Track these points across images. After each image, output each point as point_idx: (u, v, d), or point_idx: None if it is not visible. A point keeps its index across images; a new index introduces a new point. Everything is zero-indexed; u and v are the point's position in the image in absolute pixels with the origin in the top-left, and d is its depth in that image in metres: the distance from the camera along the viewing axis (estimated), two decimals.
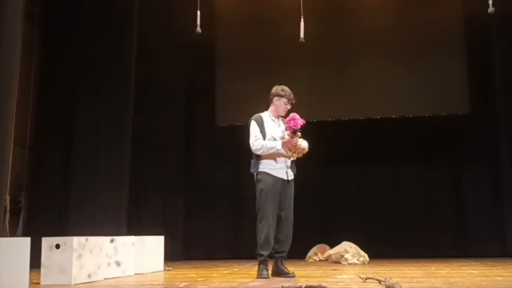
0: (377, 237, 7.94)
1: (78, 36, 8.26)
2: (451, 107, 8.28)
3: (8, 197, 6.42)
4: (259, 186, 4.87)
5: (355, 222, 8.24)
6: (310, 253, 7.86)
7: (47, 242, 4.46)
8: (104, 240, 5.01)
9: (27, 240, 4.01)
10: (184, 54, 8.97)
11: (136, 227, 7.68)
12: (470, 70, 8.25)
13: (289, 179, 4.99)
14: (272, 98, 5.11)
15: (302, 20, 6.77)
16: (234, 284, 4.21)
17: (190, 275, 5.24)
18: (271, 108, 5.12)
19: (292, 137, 4.83)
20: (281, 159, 4.93)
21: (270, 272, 4.85)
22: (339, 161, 8.67)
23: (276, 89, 5.14)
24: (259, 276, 4.75)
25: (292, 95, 5.13)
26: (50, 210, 7.71)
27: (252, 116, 5.10)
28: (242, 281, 4.54)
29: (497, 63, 8.09)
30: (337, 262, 6.97)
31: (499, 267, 5.57)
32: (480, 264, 6.14)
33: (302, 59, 8.45)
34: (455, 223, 8.20)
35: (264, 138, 4.92)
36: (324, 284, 3.74)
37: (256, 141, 4.87)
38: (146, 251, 5.69)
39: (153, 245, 5.86)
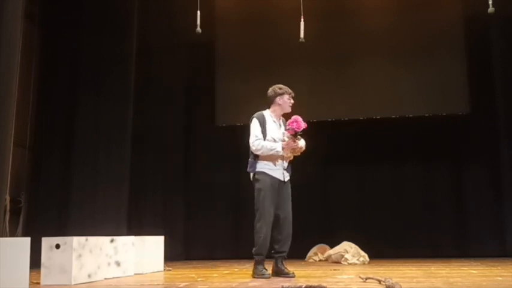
0: (377, 237, 7.93)
1: (78, 36, 8.26)
2: (451, 107, 8.28)
3: (8, 197, 6.43)
4: (257, 186, 4.87)
5: (355, 222, 8.24)
6: (310, 253, 7.85)
7: (47, 242, 4.46)
8: (104, 240, 5.01)
9: (27, 240, 4.01)
10: (184, 54, 8.97)
11: (136, 227, 7.68)
12: (470, 70, 8.25)
13: (286, 180, 4.99)
14: (274, 99, 5.09)
15: (302, 20, 6.78)
16: (234, 284, 4.22)
17: (190, 275, 5.25)
18: (273, 108, 5.10)
19: (293, 140, 4.87)
20: (278, 161, 4.94)
21: (270, 272, 4.85)
22: (339, 161, 8.67)
23: (273, 89, 5.14)
24: (260, 276, 4.74)
25: (290, 89, 5.16)
26: (50, 210, 7.71)
27: (253, 114, 5.08)
28: (242, 281, 4.54)
29: (497, 63, 8.10)
30: (337, 262, 6.97)
31: (499, 267, 5.57)
32: (480, 264, 6.14)
33: (302, 59, 8.46)
34: (455, 223, 8.20)
35: (264, 139, 4.91)
36: (324, 284, 3.74)
37: (256, 141, 4.86)
38: (146, 251, 5.69)
39: (153, 245, 5.86)
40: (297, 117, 4.87)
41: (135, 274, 5.42)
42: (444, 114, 8.32)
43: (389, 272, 5.26)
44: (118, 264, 5.18)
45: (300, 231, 8.32)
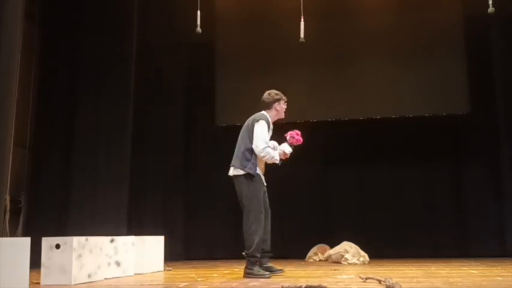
0: (377, 237, 7.93)
1: (78, 36, 8.26)
2: (451, 107, 8.28)
3: (8, 197, 6.43)
4: (254, 186, 4.87)
5: (355, 222, 8.24)
6: (310, 253, 7.86)
7: (47, 242, 4.46)
8: (104, 240, 5.01)
9: (27, 240, 4.01)
10: (184, 54, 8.97)
11: (136, 227, 7.68)
12: (470, 70, 8.25)
13: (265, 184, 5.10)
14: (272, 104, 5.12)
15: (302, 20, 6.78)
16: (234, 284, 4.22)
17: (190, 275, 5.25)
18: (270, 114, 5.12)
19: (289, 153, 5.07)
20: (264, 166, 5.07)
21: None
22: (339, 161, 8.67)
23: (270, 94, 5.16)
24: (261, 276, 4.72)
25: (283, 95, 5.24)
26: (50, 210, 7.71)
27: (257, 115, 5.06)
28: (242, 281, 4.54)
29: (497, 63, 8.10)
30: (337, 262, 6.97)
31: (499, 267, 5.57)
32: (480, 264, 6.14)
33: (302, 59, 8.46)
34: (455, 223, 8.20)
35: None
36: (324, 284, 3.74)
37: (265, 148, 4.87)
38: (146, 251, 5.69)
39: (153, 245, 5.86)
40: (298, 132, 5.09)
41: (135, 274, 5.42)
42: (444, 114, 8.32)
43: (389, 272, 5.26)
44: (118, 264, 5.18)
45: (300, 231, 8.43)
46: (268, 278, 4.72)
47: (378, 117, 8.44)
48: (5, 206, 6.37)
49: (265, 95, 5.14)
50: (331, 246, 7.46)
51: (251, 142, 4.90)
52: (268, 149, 4.88)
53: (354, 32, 8.57)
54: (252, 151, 4.90)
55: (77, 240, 4.47)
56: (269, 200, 8.47)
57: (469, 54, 8.27)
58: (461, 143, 8.35)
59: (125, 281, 4.72)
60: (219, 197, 8.75)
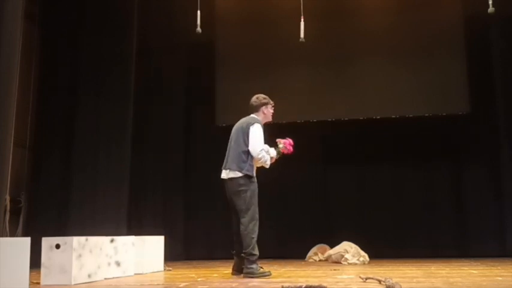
0: (377, 237, 7.94)
1: (78, 36, 8.26)
2: (451, 107, 8.28)
3: (8, 197, 6.43)
4: (252, 187, 4.95)
5: (355, 222, 8.24)
6: (310, 253, 7.86)
7: (47, 242, 4.46)
8: (104, 240, 5.01)
9: (27, 240, 4.01)
10: (184, 54, 8.97)
11: (136, 227, 7.68)
12: (470, 70, 8.25)
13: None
14: (259, 108, 5.19)
15: (302, 20, 6.78)
16: (234, 284, 4.22)
17: (190, 275, 5.24)
18: (258, 117, 5.17)
19: (279, 157, 5.13)
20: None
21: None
22: (339, 161, 8.67)
23: (258, 98, 5.22)
24: (261, 275, 4.76)
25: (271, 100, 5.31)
26: (50, 210, 7.71)
27: (251, 119, 5.10)
28: (242, 281, 4.54)
29: (497, 63, 8.10)
30: (337, 262, 6.97)
31: (499, 267, 5.57)
32: (480, 264, 6.14)
33: (302, 59, 8.46)
34: (455, 223, 8.20)
35: None
36: (324, 284, 3.74)
37: (263, 152, 4.94)
38: (146, 251, 5.69)
39: (153, 245, 5.86)
40: (291, 142, 5.14)
41: (135, 274, 5.42)
42: (444, 114, 8.32)
43: (389, 272, 5.26)
44: (118, 264, 5.17)
45: (300, 231, 8.43)
46: (269, 275, 4.77)
47: (378, 117, 8.44)
48: (5, 206, 6.37)
49: (254, 98, 5.23)
50: (331, 246, 7.46)
51: (246, 145, 4.97)
52: (265, 153, 4.97)
53: (354, 32, 8.57)
54: (248, 153, 4.96)
55: (77, 240, 4.47)
56: (269, 200, 8.52)
57: (469, 54, 8.27)
58: (461, 143, 8.35)
59: (125, 281, 4.72)
60: (219, 197, 8.66)
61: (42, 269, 4.43)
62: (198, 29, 6.78)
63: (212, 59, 8.98)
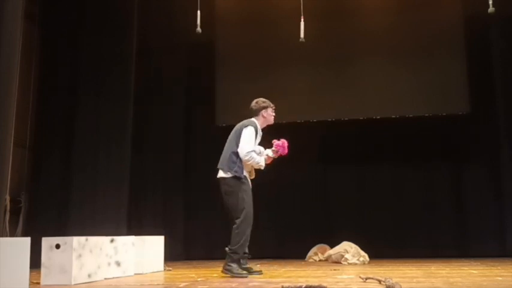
0: (377, 237, 7.94)
1: (78, 36, 8.26)
2: (451, 107, 8.29)
3: (8, 197, 6.43)
4: (243, 187, 4.99)
5: (355, 222, 8.24)
6: (310, 253, 7.86)
7: (47, 242, 4.46)
8: (104, 240, 5.01)
9: (27, 240, 4.00)
10: (184, 54, 8.97)
11: (136, 227, 7.68)
12: (470, 70, 8.25)
13: (251, 187, 5.17)
14: (259, 112, 5.21)
15: (302, 20, 6.78)
16: (234, 284, 4.22)
17: (190, 275, 5.24)
18: (258, 121, 5.19)
19: (273, 158, 5.14)
20: (249, 170, 5.15)
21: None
22: (339, 161, 8.67)
23: (258, 102, 5.24)
24: (239, 275, 4.81)
25: (271, 103, 5.30)
26: (50, 210, 7.71)
27: (247, 121, 5.12)
28: (242, 281, 4.54)
29: (497, 63, 8.10)
30: (337, 262, 6.97)
31: (499, 267, 5.57)
32: (480, 264, 6.14)
33: (302, 59, 8.46)
34: (455, 223, 8.20)
35: None
36: (324, 284, 3.74)
37: (251, 153, 4.97)
38: (146, 251, 5.69)
39: (153, 245, 5.86)
40: (285, 142, 5.12)
41: (135, 274, 5.41)
42: (444, 114, 8.33)
43: (389, 272, 5.26)
44: (118, 264, 5.17)
45: (300, 231, 8.43)
46: (246, 277, 4.80)
47: (378, 117, 8.45)
48: (5, 206, 6.37)
49: (253, 103, 5.26)
50: (331, 246, 7.46)
51: (238, 146, 5.01)
52: (253, 154, 4.98)
53: (354, 32, 8.57)
54: (237, 154, 5.00)
55: (77, 240, 4.47)
56: (269, 200, 8.53)
57: (469, 54, 8.27)
58: (461, 143, 8.35)
59: (125, 281, 4.72)
60: (219, 197, 8.71)
61: (42, 269, 4.43)
62: (198, 29, 6.78)
63: (212, 59, 8.98)
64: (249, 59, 8.84)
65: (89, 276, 4.60)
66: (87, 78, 8.16)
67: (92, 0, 8.31)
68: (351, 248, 7.00)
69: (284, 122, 7.89)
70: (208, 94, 8.89)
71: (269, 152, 5.13)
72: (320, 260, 7.59)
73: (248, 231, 4.94)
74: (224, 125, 8.76)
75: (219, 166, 5.12)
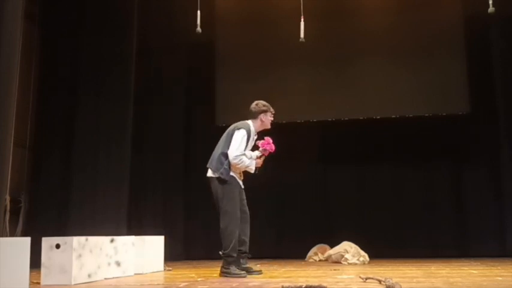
0: (377, 237, 7.94)
1: (78, 36, 8.25)
2: (451, 107, 8.29)
3: (8, 197, 6.43)
4: (228, 188, 4.97)
5: (355, 222, 8.24)
6: (310, 253, 7.86)
7: (47, 242, 4.46)
8: (104, 240, 5.01)
9: (27, 240, 4.00)
10: (184, 54, 8.97)
11: (136, 227, 7.68)
12: (470, 70, 8.25)
13: (243, 187, 5.16)
14: (258, 115, 5.17)
15: (302, 20, 6.78)
16: (234, 284, 4.22)
17: (190, 275, 5.25)
18: (255, 124, 5.16)
19: (260, 158, 5.13)
20: (241, 172, 5.14)
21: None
22: (339, 161, 8.67)
23: (258, 105, 5.20)
24: (237, 276, 4.81)
25: (272, 108, 5.26)
26: (50, 210, 7.71)
27: (240, 124, 5.10)
28: (242, 281, 4.54)
29: (497, 63, 8.10)
30: (337, 262, 6.97)
31: (499, 267, 5.57)
32: (480, 264, 6.14)
33: (302, 59, 8.46)
34: (455, 223, 8.20)
35: None
36: (324, 284, 3.74)
37: (240, 156, 4.95)
38: (146, 251, 5.69)
39: (153, 245, 5.86)
40: (269, 139, 5.11)
41: (135, 274, 5.42)
42: (444, 114, 8.33)
43: (389, 272, 5.26)
44: (118, 264, 5.17)
45: (300, 231, 8.42)
46: (244, 277, 4.80)
47: (378, 117, 8.45)
48: (5, 206, 6.37)
49: (253, 104, 5.21)
50: (331, 246, 7.46)
51: (228, 148, 5.00)
52: (243, 157, 4.96)
53: (354, 32, 8.57)
54: (227, 156, 4.99)
55: (77, 240, 4.47)
56: (269, 200, 8.53)
57: (469, 54, 8.27)
58: (461, 143, 8.35)
59: (125, 281, 4.72)
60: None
61: (42, 269, 4.43)
62: (198, 29, 6.78)
63: (212, 59, 8.98)
64: (249, 59, 8.84)
65: (89, 276, 4.60)
66: (87, 78, 8.16)
67: (92, 0, 8.31)
68: (351, 248, 7.00)
69: (284, 122, 7.90)
70: (208, 94, 8.89)
71: (257, 153, 5.11)
72: (320, 260, 7.59)
73: (236, 233, 4.92)
74: (224, 125, 8.71)
75: (208, 165, 5.12)
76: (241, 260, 5.03)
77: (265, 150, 5.07)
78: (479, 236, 7.94)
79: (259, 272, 5.01)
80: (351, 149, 8.56)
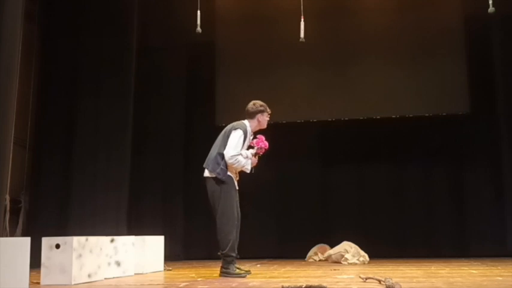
0: (377, 237, 7.94)
1: (78, 36, 8.26)
2: (451, 107, 8.28)
3: (8, 197, 6.43)
4: (225, 188, 4.97)
5: (355, 222, 8.24)
6: (310, 253, 7.86)
7: (47, 242, 4.46)
8: (104, 240, 5.01)
9: (27, 240, 4.01)
10: (185, 53, 8.97)
11: (136, 227, 7.67)
12: (470, 70, 8.25)
13: (237, 188, 5.14)
14: (255, 115, 5.16)
15: (302, 19, 6.78)
16: (234, 284, 4.22)
17: (190, 275, 5.25)
18: (251, 123, 5.15)
19: (255, 157, 5.11)
20: (237, 173, 5.13)
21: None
22: (338, 161, 8.66)
23: (255, 105, 5.18)
24: (238, 275, 4.81)
25: (268, 108, 5.25)
26: (50, 210, 7.71)
27: (236, 123, 5.09)
28: (242, 281, 4.54)
29: (497, 63, 8.11)
30: (337, 262, 6.97)
31: (499, 267, 5.57)
32: (480, 264, 6.14)
33: (302, 59, 8.46)
34: (455, 223, 8.19)
35: None
36: (324, 284, 3.74)
37: (236, 156, 4.94)
38: (146, 251, 5.69)
39: (153, 245, 5.86)
40: (262, 137, 5.10)
41: (135, 274, 5.42)
42: (444, 114, 8.32)
43: (389, 272, 5.26)
44: (118, 264, 5.18)
45: (300, 231, 8.42)
46: (244, 277, 4.80)
47: (378, 117, 8.44)
48: (5, 206, 6.37)
49: (250, 104, 5.20)
50: (331, 246, 7.46)
51: (225, 148, 4.99)
52: (239, 157, 4.95)
53: (353, 32, 8.57)
54: (223, 156, 4.97)
55: (77, 240, 4.47)
56: (269, 199, 8.53)
57: (469, 54, 8.27)
58: (461, 143, 8.34)
59: (125, 281, 4.72)
60: None
61: (42, 269, 4.43)
62: (198, 28, 6.79)
63: (212, 58, 8.97)
64: (249, 59, 8.83)
65: (89, 276, 4.60)
66: (87, 78, 8.16)
67: (92, 0, 8.31)
68: (351, 248, 7.00)
69: (284, 122, 7.91)
70: (208, 94, 8.89)
71: (252, 152, 5.10)
72: (320, 260, 7.59)
73: (234, 233, 4.91)
74: (224, 125, 8.62)
75: (204, 165, 5.10)
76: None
77: (260, 148, 5.06)
78: (479, 236, 7.93)
79: (245, 274, 4.91)
80: (350, 149, 8.56)
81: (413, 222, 8.23)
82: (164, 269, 5.94)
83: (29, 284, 4.04)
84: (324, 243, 7.86)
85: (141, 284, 4.41)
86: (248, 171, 5.07)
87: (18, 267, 3.85)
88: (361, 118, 8.51)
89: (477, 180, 8.21)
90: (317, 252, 7.79)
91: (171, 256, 7.29)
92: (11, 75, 5.81)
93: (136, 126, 8.23)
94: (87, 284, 4.47)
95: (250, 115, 5.15)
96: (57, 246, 4.42)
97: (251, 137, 5.15)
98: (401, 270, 5.50)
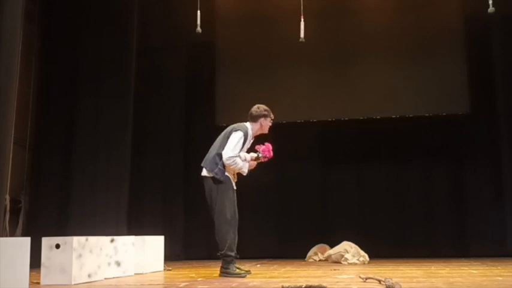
0: (377, 237, 7.94)
1: (78, 36, 8.26)
2: (451, 107, 8.29)
3: (8, 197, 6.43)
4: (223, 188, 4.96)
5: (355, 222, 8.24)
6: (310, 253, 7.86)
7: (47, 242, 4.46)
8: (104, 240, 5.01)
9: (27, 240, 4.01)
10: (185, 53, 8.97)
11: (136, 227, 7.67)
12: (470, 70, 8.25)
13: (235, 188, 5.14)
14: (258, 118, 5.15)
15: (302, 19, 6.78)
16: (234, 284, 4.22)
17: (190, 275, 5.25)
18: (254, 126, 5.14)
19: (254, 161, 5.10)
20: (235, 174, 5.12)
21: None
22: (338, 161, 8.66)
23: (259, 109, 5.18)
24: (237, 275, 4.81)
25: (272, 113, 5.24)
26: (50, 210, 7.71)
27: (237, 125, 5.08)
28: (242, 281, 4.54)
29: (497, 63, 8.11)
30: (337, 262, 6.97)
31: (499, 267, 5.57)
32: (480, 264, 6.14)
33: (302, 58, 8.46)
34: (455, 223, 8.19)
35: None
36: (324, 284, 3.74)
37: (233, 158, 4.93)
38: (146, 251, 5.69)
39: (153, 245, 5.86)
40: (269, 146, 5.10)
41: (135, 274, 5.42)
42: (444, 114, 8.33)
43: (389, 272, 5.26)
44: (118, 264, 5.18)
45: (300, 231, 8.43)
46: (244, 277, 4.80)
47: (378, 117, 8.44)
48: (5, 206, 6.37)
49: (254, 108, 5.19)
50: (331, 246, 7.46)
51: (223, 148, 4.97)
52: (237, 159, 4.94)
53: (353, 32, 8.57)
54: (221, 157, 4.96)
55: (77, 240, 4.47)
56: (269, 200, 8.53)
57: (469, 54, 8.27)
58: (461, 143, 8.34)
59: (125, 281, 4.72)
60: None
61: (42, 269, 4.43)
62: (198, 28, 6.79)
63: (212, 58, 8.97)
64: (249, 59, 8.83)
65: (89, 276, 4.60)
66: (87, 78, 8.16)
67: (92, 0, 8.32)
68: (351, 248, 7.00)
69: (284, 122, 7.90)
70: (208, 94, 8.89)
71: (253, 155, 5.09)
72: (320, 260, 7.59)
73: (231, 233, 4.90)
74: (224, 125, 8.64)
75: (202, 164, 5.09)
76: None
77: (264, 156, 5.07)
78: (479, 236, 7.93)
79: (245, 274, 4.91)
80: (350, 149, 8.56)
81: (413, 222, 8.23)
82: (164, 269, 5.94)
83: (29, 284, 4.04)
84: (324, 243, 7.86)
85: (141, 284, 4.42)
86: (245, 174, 5.06)
87: (18, 267, 3.85)
88: (361, 118, 8.51)
89: (477, 180, 8.21)
90: (317, 252, 7.79)
91: (171, 256, 7.29)
92: (11, 75, 5.82)
93: (136, 126, 8.23)
94: (87, 284, 4.47)
95: (253, 118, 5.14)
96: (57, 246, 4.42)
97: (252, 141, 5.15)
98: (401, 270, 5.50)
